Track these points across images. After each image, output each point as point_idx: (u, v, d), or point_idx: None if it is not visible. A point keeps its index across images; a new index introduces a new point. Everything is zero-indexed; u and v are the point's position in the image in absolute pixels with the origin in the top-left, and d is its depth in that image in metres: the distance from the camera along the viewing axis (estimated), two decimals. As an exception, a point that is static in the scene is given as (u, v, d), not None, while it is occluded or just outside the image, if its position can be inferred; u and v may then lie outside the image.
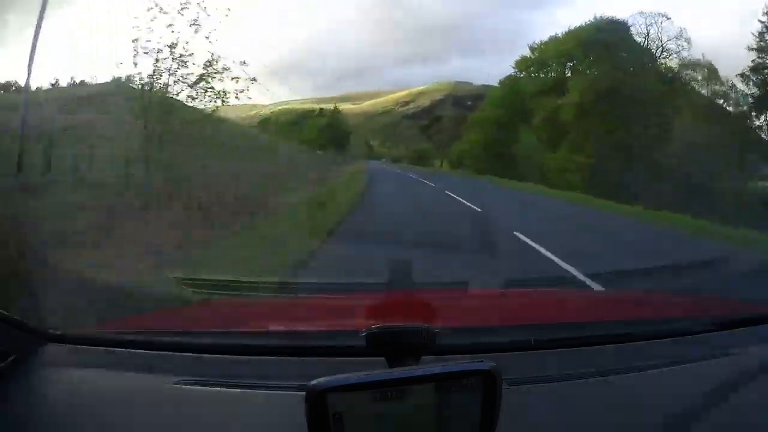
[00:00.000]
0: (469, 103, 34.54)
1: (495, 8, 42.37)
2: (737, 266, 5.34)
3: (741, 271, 4.96)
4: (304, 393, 0.81)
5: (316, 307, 1.97)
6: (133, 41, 10.41)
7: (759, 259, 6.69)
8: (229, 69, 11.34)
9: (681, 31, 21.72)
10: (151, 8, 10.31)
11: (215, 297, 2.37)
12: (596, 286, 4.10)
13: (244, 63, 11.60)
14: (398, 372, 0.86)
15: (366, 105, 39.84)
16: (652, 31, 22.16)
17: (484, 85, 34.80)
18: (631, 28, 22.46)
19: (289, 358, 1.27)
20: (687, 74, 21.67)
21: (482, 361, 0.85)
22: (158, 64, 10.70)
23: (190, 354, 1.29)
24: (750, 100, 20.09)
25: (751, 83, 19.83)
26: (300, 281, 4.61)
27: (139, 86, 10.87)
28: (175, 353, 1.29)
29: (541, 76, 24.28)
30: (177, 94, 11.19)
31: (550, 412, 1.09)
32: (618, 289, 2.70)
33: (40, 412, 1.12)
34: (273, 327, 1.62)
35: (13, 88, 13.44)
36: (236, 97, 11.68)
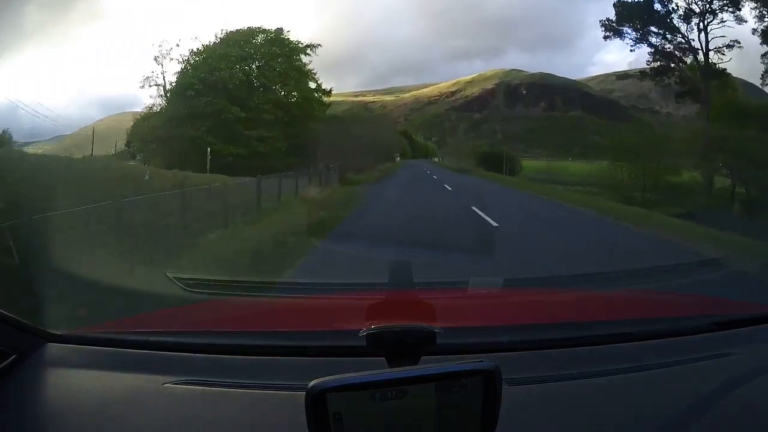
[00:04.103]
0: (524, 92, 31.41)
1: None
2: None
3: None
4: (303, 393, 0.81)
5: (316, 307, 1.97)
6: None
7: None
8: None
9: None
10: None
11: (215, 297, 2.36)
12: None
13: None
14: (398, 372, 0.86)
15: (407, 97, 34.88)
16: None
17: (540, 73, 31.76)
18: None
19: (288, 358, 1.27)
20: None
21: (482, 361, 0.85)
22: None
23: (191, 354, 1.29)
24: None
25: None
26: (300, 281, 4.60)
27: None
28: (175, 353, 1.29)
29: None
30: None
31: (550, 412, 1.09)
32: (619, 290, 2.70)
33: (40, 412, 1.12)
34: (273, 327, 1.61)
35: None
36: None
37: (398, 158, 25.26)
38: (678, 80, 21.84)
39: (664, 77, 22.02)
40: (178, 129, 15.06)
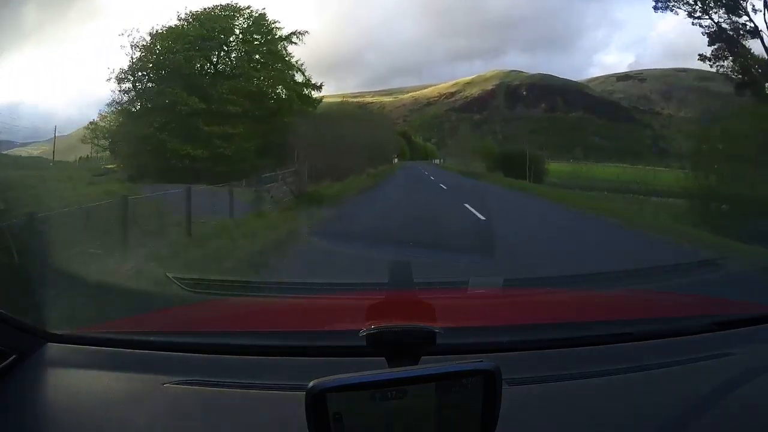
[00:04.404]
0: (524, 93, 30.36)
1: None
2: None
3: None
4: (303, 393, 0.81)
5: (316, 307, 1.97)
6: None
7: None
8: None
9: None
10: None
11: (215, 297, 2.37)
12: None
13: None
14: (398, 372, 0.86)
15: (406, 98, 34.14)
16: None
17: (540, 74, 31.01)
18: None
19: (288, 358, 1.27)
20: None
21: (482, 361, 0.85)
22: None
23: (190, 354, 1.29)
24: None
25: None
26: (300, 281, 4.60)
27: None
28: (174, 353, 1.29)
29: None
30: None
31: (550, 412, 1.09)
32: (619, 290, 2.70)
33: (40, 412, 1.12)
34: (273, 327, 1.61)
35: None
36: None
37: (396, 160, 22.77)
38: (738, 69, 18.08)
39: (727, 62, 18.03)
40: (131, 126, 12.51)
